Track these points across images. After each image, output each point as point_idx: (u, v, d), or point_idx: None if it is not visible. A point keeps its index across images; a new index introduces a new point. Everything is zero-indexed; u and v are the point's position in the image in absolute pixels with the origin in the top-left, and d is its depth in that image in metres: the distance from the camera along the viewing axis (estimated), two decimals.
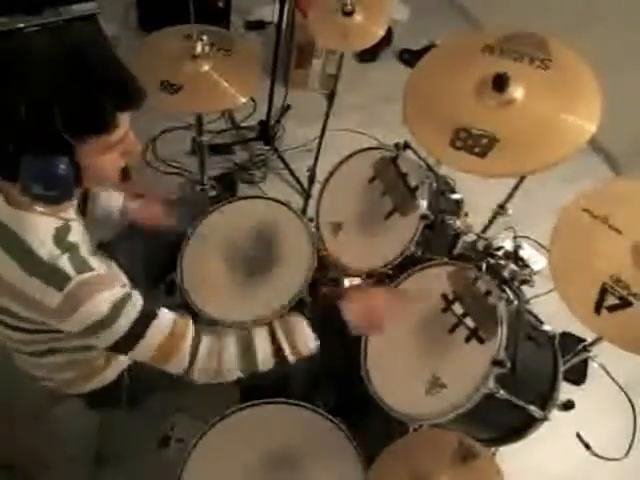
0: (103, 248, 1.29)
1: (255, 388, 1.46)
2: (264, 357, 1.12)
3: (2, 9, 2.16)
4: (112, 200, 1.45)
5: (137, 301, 1.06)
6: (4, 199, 0.99)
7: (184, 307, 1.57)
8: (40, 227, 0.99)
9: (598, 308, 1.13)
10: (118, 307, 1.01)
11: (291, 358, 1.13)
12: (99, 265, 1.02)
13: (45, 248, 0.97)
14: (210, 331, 1.14)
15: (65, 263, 0.97)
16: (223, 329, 1.16)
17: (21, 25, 2.20)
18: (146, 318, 1.05)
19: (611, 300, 1.12)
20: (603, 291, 1.13)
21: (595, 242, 1.19)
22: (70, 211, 1.09)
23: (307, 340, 1.14)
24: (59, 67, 0.88)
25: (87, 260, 1.00)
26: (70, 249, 0.99)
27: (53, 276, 0.96)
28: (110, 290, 1.01)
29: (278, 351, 1.12)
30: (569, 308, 1.14)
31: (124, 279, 1.35)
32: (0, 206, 0.99)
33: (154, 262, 1.59)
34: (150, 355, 1.07)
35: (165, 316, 1.09)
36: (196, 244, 1.61)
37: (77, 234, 1.05)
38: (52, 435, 1.74)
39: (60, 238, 1.00)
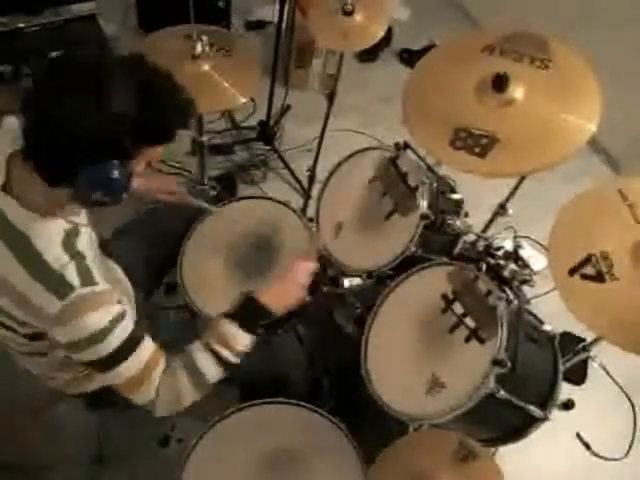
0: (104, 246, 1.29)
1: (255, 388, 1.46)
2: (212, 373, 1.13)
3: (2, 9, 2.16)
4: None
5: (129, 322, 1.06)
6: (17, 202, 0.98)
7: (184, 307, 1.57)
8: (52, 231, 0.99)
9: (574, 271, 1.16)
10: (111, 326, 1.01)
11: (235, 359, 1.14)
12: (102, 279, 1.02)
13: (53, 253, 0.97)
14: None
15: (71, 272, 0.97)
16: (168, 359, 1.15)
17: (21, 25, 2.20)
18: (134, 341, 1.06)
19: (589, 270, 1.16)
20: (587, 259, 1.16)
21: (607, 217, 1.21)
22: (82, 216, 1.10)
23: (242, 339, 1.14)
24: (142, 83, 0.92)
25: (92, 272, 1.00)
26: (77, 257, 0.99)
27: (57, 284, 0.96)
28: (107, 307, 1.01)
29: (221, 360, 1.13)
30: (551, 258, 1.19)
31: (126, 285, 1.35)
32: (12, 209, 0.98)
33: (154, 260, 1.59)
34: (123, 379, 1.06)
35: (148, 344, 1.09)
36: (196, 244, 1.61)
37: (85, 240, 1.05)
38: (52, 435, 1.74)
39: (70, 243, 1.00)
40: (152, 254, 1.57)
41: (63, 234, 1.01)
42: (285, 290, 1.23)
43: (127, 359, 1.04)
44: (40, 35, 2.24)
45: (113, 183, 0.94)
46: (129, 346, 1.05)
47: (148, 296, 1.58)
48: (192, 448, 1.29)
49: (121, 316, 1.03)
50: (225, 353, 1.13)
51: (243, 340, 1.15)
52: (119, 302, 1.05)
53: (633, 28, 2.43)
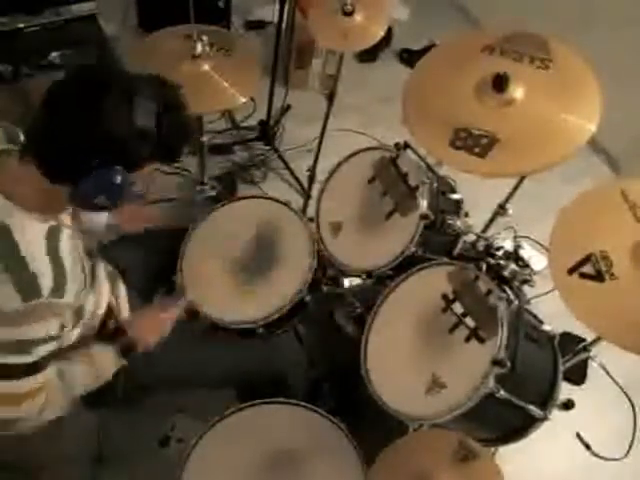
0: (102, 249, 1.29)
1: (255, 388, 1.46)
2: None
3: (2, 9, 2.16)
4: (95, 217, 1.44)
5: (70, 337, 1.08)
6: (4, 196, 0.96)
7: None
8: (35, 228, 0.98)
9: (573, 270, 1.16)
10: (49, 339, 1.01)
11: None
12: (71, 292, 1.00)
13: (33, 252, 0.95)
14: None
15: (46, 280, 0.95)
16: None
17: (21, 25, 2.20)
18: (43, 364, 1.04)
19: (588, 269, 1.16)
20: (586, 258, 1.16)
21: (607, 217, 1.21)
22: (66, 218, 1.09)
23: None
24: (166, 103, 0.96)
25: (65, 283, 0.99)
26: (58, 265, 0.98)
27: (26, 284, 0.94)
28: (57, 320, 1.01)
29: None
30: (551, 258, 1.19)
31: (104, 290, 1.34)
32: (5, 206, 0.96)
33: (154, 263, 1.59)
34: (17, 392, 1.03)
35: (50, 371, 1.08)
36: (196, 244, 1.61)
37: (66, 241, 1.03)
38: (52, 435, 1.73)
39: (52, 246, 0.99)
40: (151, 259, 1.58)
41: (46, 232, 0.99)
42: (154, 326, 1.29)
43: (34, 375, 1.02)
44: (40, 35, 2.24)
45: (117, 189, 0.95)
46: (41, 365, 1.03)
47: (146, 300, 1.58)
48: (192, 448, 1.29)
49: (59, 333, 1.03)
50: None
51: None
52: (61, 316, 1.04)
53: (633, 28, 2.43)
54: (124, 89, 0.92)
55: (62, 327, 1.04)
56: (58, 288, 0.97)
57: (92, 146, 0.91)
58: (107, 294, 1.31)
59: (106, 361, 1.19)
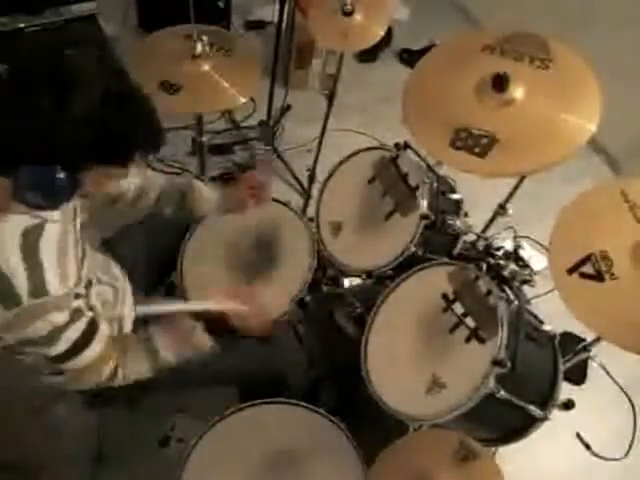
0: (105, 245, 1.29)
1: (255, 388, 1.46)
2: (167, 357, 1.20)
3: (2, 9, 2.16)
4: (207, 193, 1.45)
5: (82, 322, 1.05)
6: None
7: None
8: (5, 229, 0.95)
9: (573, 270, 1.16)
10: (60, 330, 1.01)
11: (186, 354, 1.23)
12: (58, 283, 0.99)
13: (5, 255, 0.93)
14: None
15: (21, 282, 0.93)
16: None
17: (21, 25, 2.20)
18: (87, 337, 1.07)
19: (588, 269, 1.15)
20: (586, 258, 1.16)
21: (608, 217, 1.21)
22: (54, 212, 1.05)
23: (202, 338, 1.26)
24: (113, 95, 0.89)
25: (46, 281, 0.96)
26: (33, 266, 0.95)
27: (4, 292, 0.93)
28: (56, 314, 0.99)
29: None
30: (551, 257, 1.19)
31: (121, 282, 1.34)
32: None
33: (155, 262, 1.59)
34: (80, 366, 1.08)
35: (102, 335, 1.11)
36: (196, 244, 1.61)
37: (52, 237, 1.02)
38: (52, 435, 1.74)
39: (28, 246, 0.96)
40: (153, 256, 1.57)
41: (21, 232, 0.96)
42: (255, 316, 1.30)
43: (79, 354, 1.06)
44: (40, 35, 2.24)
45: (50, 188, 0.90)
46: (82, 343, 1.05)
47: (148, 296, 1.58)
48: (192, 448, 1.29)
49: (74, 318, 1.03)
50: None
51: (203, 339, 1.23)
52: (78, 297, 1.04)
53: (633, 28, 2.43)
54: (63, 76, 0.86)
55: (73, 312, 1.03)
56: (38, 288, 0.95)
57: (15, 138, 0.86)
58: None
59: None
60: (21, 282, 0.94)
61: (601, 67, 1.29)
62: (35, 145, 0.87)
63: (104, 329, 1.12)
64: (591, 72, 1.28)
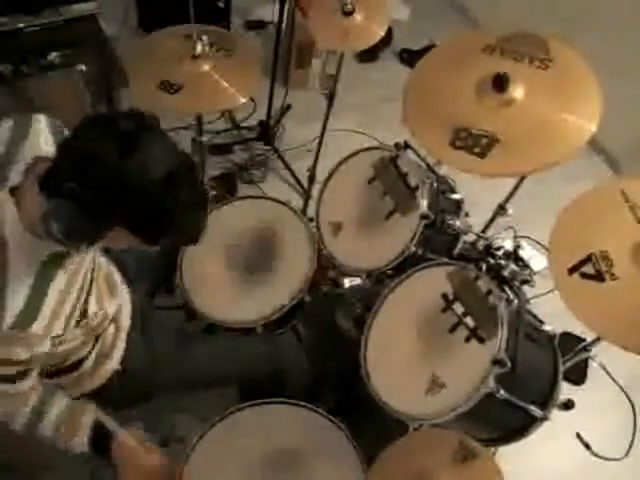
0: (105, 249, 1.29)
1: (255, 388, 1.46)
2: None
3: (2, 9, 2.16)
4: None
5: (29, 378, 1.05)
6: (16, 209, 0.96)
7: (184, 307, 1.57)
8: (32, 252, 0.97)
9: (573, 270, 1.16)
10: (11, 363, 1.00)
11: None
12: (44, 323, 0.99)
13: (17, 281, 0.95)
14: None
15: (14, 308, 0.94)
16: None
17: (21, 25, 2.19)
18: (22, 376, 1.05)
19: (588, 269, 1.15)
20: (587, 259, 1.16)
21: (608, 217, 1.21)
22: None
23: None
24: (174, 182, 0.90)
25: (36, 316, 0.97)
26: (35, 296, 0.96)
27: None
28: (20, 350, 0.99)
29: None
30: (551, 257, 1.19)
31: (121, 291, 1.34)
32: (8, 213, 0.96)
33: (154, 262, 1.59)
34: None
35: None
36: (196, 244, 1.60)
37: (70, 266, 1.03)
38: None
39: (43, 275, 0.98)
40: (151, 259, 1.57)
41: (43, 259, 0.98)
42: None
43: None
44: (40, 35, 2.24)
45: (74, 230, 0.91)
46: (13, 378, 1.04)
47: (150, 299, 1.58)
48: (192, 448, 1.29)
49: (29, 358, 1.01)
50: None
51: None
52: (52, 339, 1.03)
53: (633, 28, 2.43)
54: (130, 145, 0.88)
55: (34, 355, 1.02)
56: (23, 320, 0.95)
57: (76, 172, 0.88)
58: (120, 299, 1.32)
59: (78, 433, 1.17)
60: (15, 307, 0.94)
61: (601, 67, 1.29)
62: (83, 187, 0.87)
63: (34, 377, 1.09)
64: (591, 72, 1.28)
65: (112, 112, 0.93)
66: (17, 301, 0.95)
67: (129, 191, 0.88)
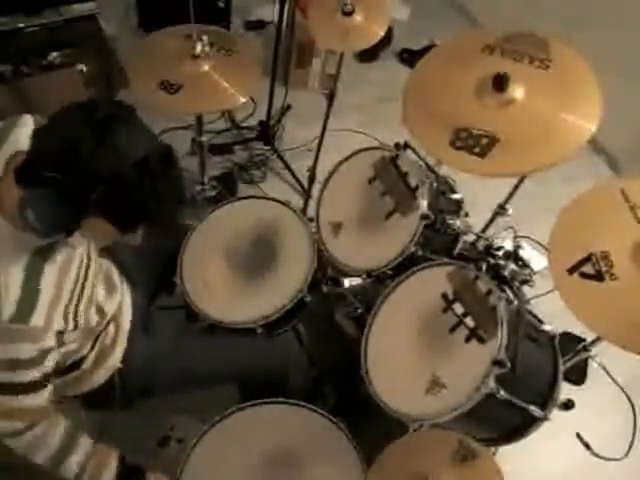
0: (105, 250, 1.29)
1: (255, 388, 1.46)
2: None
3: (2, 9, 2.16)
4: None
5: (48, 363, 1.04)
6: (0, 209, 0.96)
7: (184, 307, 1.57)
8: (18, 247, 0.97)
9: (573, 269, 1.16)
10: (17, 364, 0.99)
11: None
12: (43, 316, 0.99)
13: (7, 273, 0.94)
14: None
15: (8, 303, 0.94)
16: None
17: (21, 25, 2.20)
18: (38, 385, 1.04)
19: (588, 269, 1.15)
20: (587, 258, 1.16)
21: (609, 217, 1.21)
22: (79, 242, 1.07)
23: None
24: (149, 170, 0.91)
25: (33, 310, 0.97)
26: (29, 291, 0.96)
27: None
28: (24, 345, 0.98)
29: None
30: (551, 257, 1.19)
31: (121, 292, 1.33)
32: None
33: (155, 263, 1.59)
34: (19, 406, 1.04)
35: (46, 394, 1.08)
36: (196, 244, 1.61)
37: (58, 259, 1.03)
38: None
39: (33, 269, 0.97)
40: (151, 259, 1.57)
41: (30, 252, 0.98)
42: None
43: (15, 395, 1.02)
44: (40, 35, 2.24)
45: (49, 216, 0.91)
46: (25, 388, 1.03)
47: (151, 300, 1.58)
48: (192, 448, 1.29)
49: (42, 356, 1.01)
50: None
51: None
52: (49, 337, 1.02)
53: (633, 28, 2.43)
54: (104, 134, 0.89)
55: (42, 352, 1.01)
56: (20, 315, 0.95)
57: (52, 162, 0.89)
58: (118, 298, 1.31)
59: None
60: (10, 301, 0.94)
61: (601, 67, 1.29)
62: (58, 175, 0.88)
63: (50, 389, 1.09)
64: (591, 72, 1.28)
65: (88, 101, 0.93)
66: (11, 294, 0.95)
67: (104, 177, 0.89)
